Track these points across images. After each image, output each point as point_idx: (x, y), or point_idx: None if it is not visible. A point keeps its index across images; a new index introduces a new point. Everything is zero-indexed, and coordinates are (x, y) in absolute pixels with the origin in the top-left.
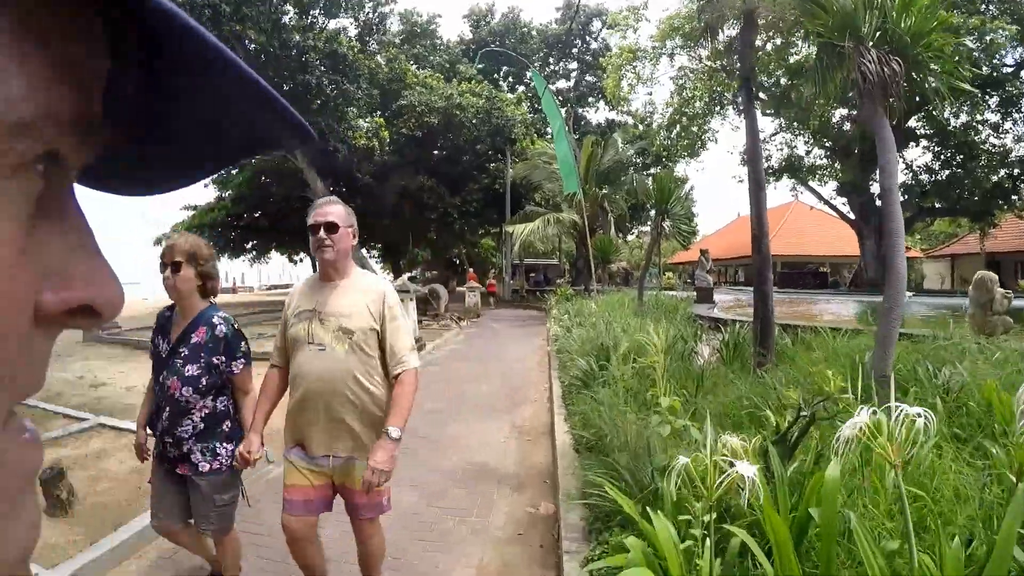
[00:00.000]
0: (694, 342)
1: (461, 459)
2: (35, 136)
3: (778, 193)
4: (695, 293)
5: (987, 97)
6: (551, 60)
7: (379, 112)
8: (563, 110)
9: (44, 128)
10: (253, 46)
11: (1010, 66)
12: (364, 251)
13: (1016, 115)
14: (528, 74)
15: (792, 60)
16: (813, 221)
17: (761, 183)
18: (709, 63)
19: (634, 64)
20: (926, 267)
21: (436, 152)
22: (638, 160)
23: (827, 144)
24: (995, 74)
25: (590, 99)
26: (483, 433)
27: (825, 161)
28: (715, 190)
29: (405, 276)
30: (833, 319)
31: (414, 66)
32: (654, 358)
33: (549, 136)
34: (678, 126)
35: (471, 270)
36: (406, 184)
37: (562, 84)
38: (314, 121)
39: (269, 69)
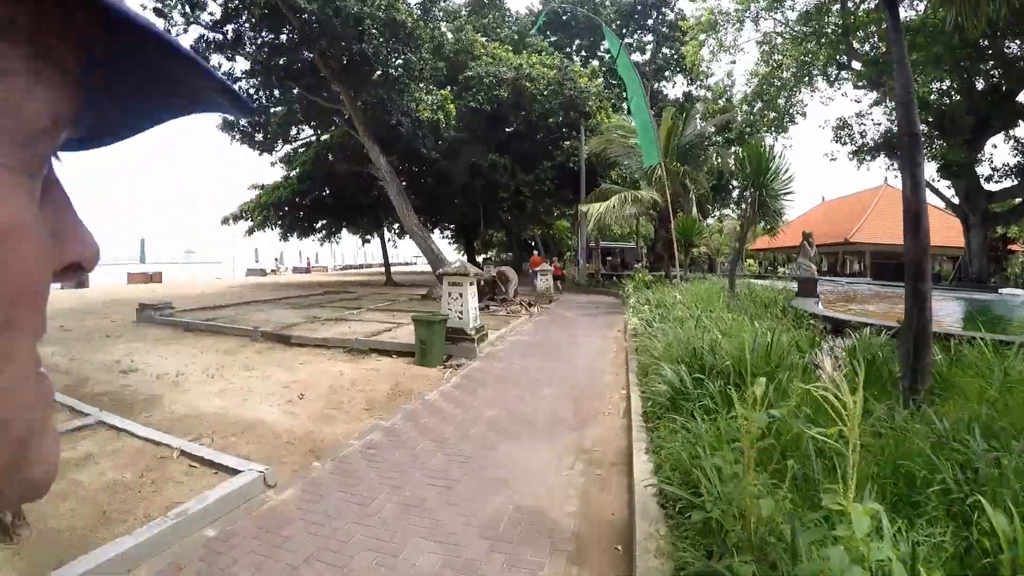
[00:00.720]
0: (811, 350)
1: (508, 500)
2: (52, 137)
3: (867, 176)
4: (796, 283)
5: None
6: (625, 32)
7: (447, 87)
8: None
9: (56, 129)
10: (304, 15)
11: None
12: (436, 232)
13: None
14: (603, 45)
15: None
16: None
17: (917, 135)
18: (800, 26)
19: (716, 29)
20: None
21: (508, 129)
22: (719, 138)
23: (930, 120)
24: None
25: (666, 73)
26: (540, 460)
27: (925, 140)
28: (796, 173)
29: (462, 259)
30: (962, 324)
31: (483, 40)
32: (835, 429)
33: (625, 111)
34: (763, 98)
35: (536, 253)
36: (477, 161)
37: (637, 58)
38: (373, 93)
39: (323, 39)
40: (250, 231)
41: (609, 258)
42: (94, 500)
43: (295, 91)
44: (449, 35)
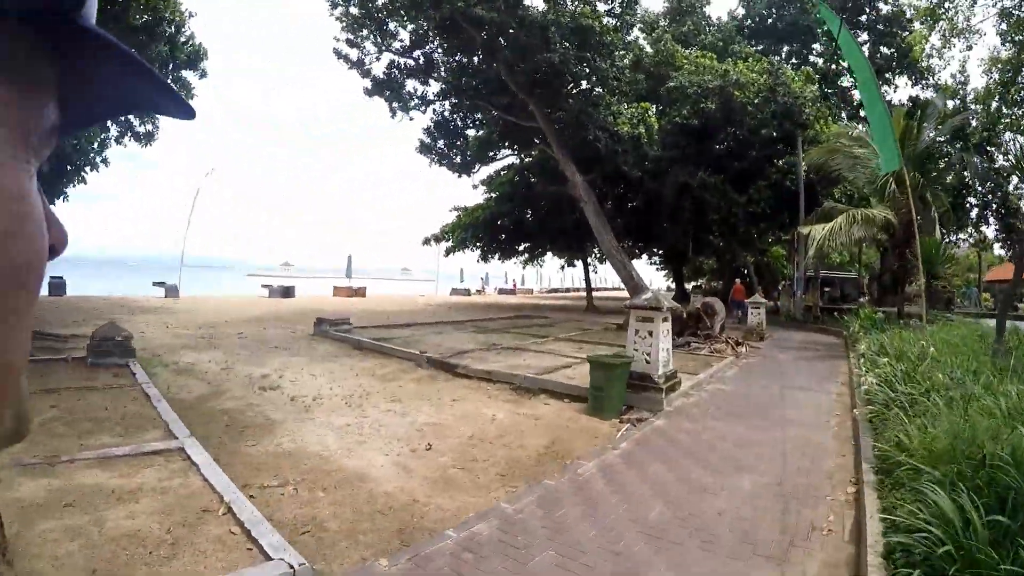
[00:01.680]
0: None
1: None
2: (54, 140)
3: None
4: None
5: None
6: (839, 33)
7: (649, 102)
8: (856, 92)
9: (55, 132)
10: (485, 32)
11: None
12: (644, 258)
13: None
14: (816, 48)
15: None
16: None
17: None
18: None
19: (945, 8)
20: None
21: (717, 147)
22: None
23: None
24: None
25: (887, 75)
26: None
27: None
28: None
29: (657, 288)
30: None
31: (684, 50)
32: None
33: (845, 120)
34: (1009, 88)
35: (738, 282)
36: (685, 181)
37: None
38: (567, 108)
39: (507, 50)
40: (448, 252)
41: (828, 289)
42: (97, 551)
43: (491, 112)
44: (648, 48)
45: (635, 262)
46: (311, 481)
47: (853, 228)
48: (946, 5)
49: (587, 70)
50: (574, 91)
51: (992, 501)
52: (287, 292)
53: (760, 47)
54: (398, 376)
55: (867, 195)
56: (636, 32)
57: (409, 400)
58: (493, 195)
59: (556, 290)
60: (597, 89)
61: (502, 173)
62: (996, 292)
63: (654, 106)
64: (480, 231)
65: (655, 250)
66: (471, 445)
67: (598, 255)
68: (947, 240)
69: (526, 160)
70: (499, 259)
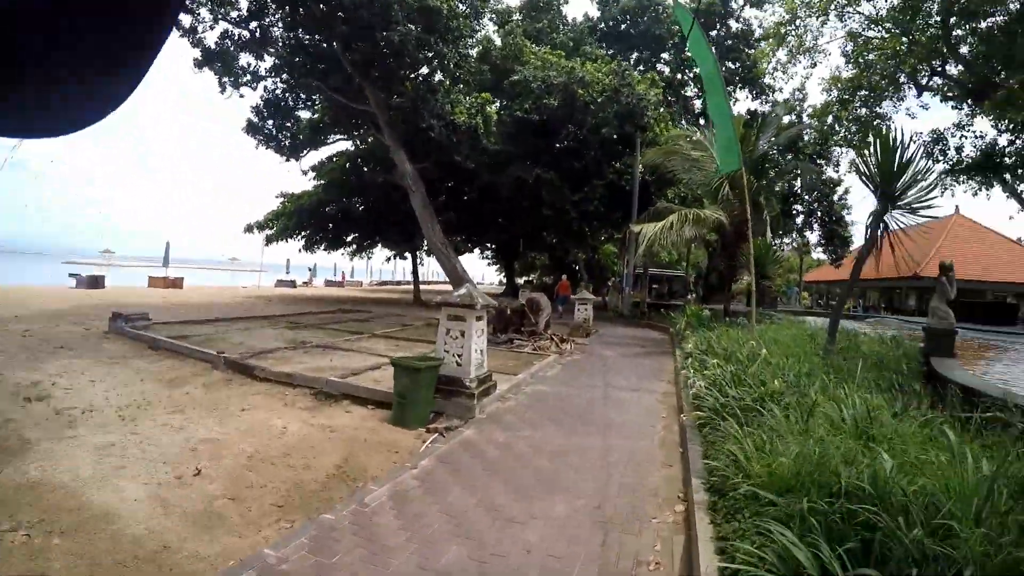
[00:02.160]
0: None
1: None
2: None
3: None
4: (924, 334)
5: None
6: (687, 45)
7: (491, 95)
8: (700, 100)
9: None
10: (323, 3)
11: None
12: (476, 252)
13: None
14: (664, 57)
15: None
16: (977, 239)
17: None
18: (895, 17)
19: (796, 24)
20: None
21: (558, 145)
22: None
23: None
24: None
25: (729, 87)
26: None
27: None
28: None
29: (471, 285)
30: None
31: (534, 46)
32: None
33: (685, 126)
34: (844, 107)
35: (564, 277)
36: (521, 176)
37: (699, 72)
38: (404, 93)
39: (346, 25)
40: (269, 240)
41: (656, 286)
42: None
43: (325, 92)
44: (497, 40)
45: (467, 256)
46: (49, 522)
47: (685, 227)
48: (796, 23)
49: (429, 54)
50: (412, 76)
51: (855, 544)
52: (95, 283)
53: (611, 51)
54: (188, 381)
55: (700, 197)
56: (488, 23)
57: (193, 410)
58: (322, 182)
59: (386, 283)
60: (438, 75)
61: (334, 159)
62: (814, 292)
63: (497, 101)
64: (305, 219)
65: (488, 244)
66: (250, 467)
67: (427, 247)
68: (775, 243)
69: (360, 147)
70: (325, 250)
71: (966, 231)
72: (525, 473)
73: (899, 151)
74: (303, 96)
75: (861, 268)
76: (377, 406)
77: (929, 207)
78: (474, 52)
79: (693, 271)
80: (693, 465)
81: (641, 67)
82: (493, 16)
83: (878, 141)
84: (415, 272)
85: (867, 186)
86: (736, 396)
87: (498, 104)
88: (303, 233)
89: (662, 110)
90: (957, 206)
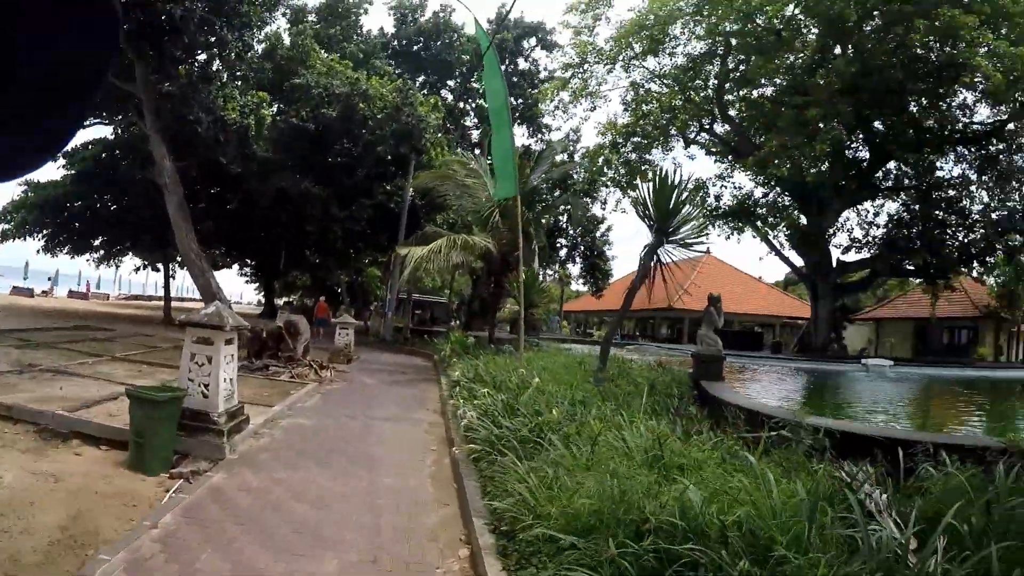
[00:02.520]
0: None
1: None
2: None
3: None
4: (694, 360)
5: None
6: (474, 75)
7: (270, 96)
8: (478, 131)
9: None
10: None
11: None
12: (235, 268)
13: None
14: (449, 84)
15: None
16: (725, 276)
17: None
18: (675, 76)
19: (583, 70)
20: (852, 331)
21: (331, 159)
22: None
23: (784, 193)
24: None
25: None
26: None
27: (780, 205)
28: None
29: (220, 304)
30: None
31: (325, 54)
32: None
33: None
34: (617, 150)
35: (322, 300)
36: (287, 187)
37: (483, 103)
38: (173, 74)
39: None
40: (4, 236)
41: (419, 312)
42: None
43: None
44: (286, 39)
45: (225, 272)
46: None
47: (452, 252)
48: (584, 67)
49: (212, 39)
50: (188, 60)
51: None
52: None
53: (399, 70)
54: None
55: (470, 223)
56: (281, 18)
57: None
58: (72, 172)
59: (136, 297)
60: (216, 64)
61: (89, 147)
62: (573, 321)
63: (276, 105)
64: (48, 215)
65: (248, 260)
66: None
67: (180, 259)
68: (540, 273)
69: (120, 136)
70: (69, 253)
71: (715, 269)
72: (286, 526)
73: (675, 192)
74: None
75: (633, 297)
76: (112, 445)
77: (700, 243)
78: (260, 47)
79: (456, 298)
80: (472, 503)
81: (426, 91)
82: (287, 12)
83: (656, 180)
84: (167, 287)
85: (644, 221)
86: (511, 427)
87: (276, 108)
88: (44, 231)
89: (440, 135)
90: (708, 248)
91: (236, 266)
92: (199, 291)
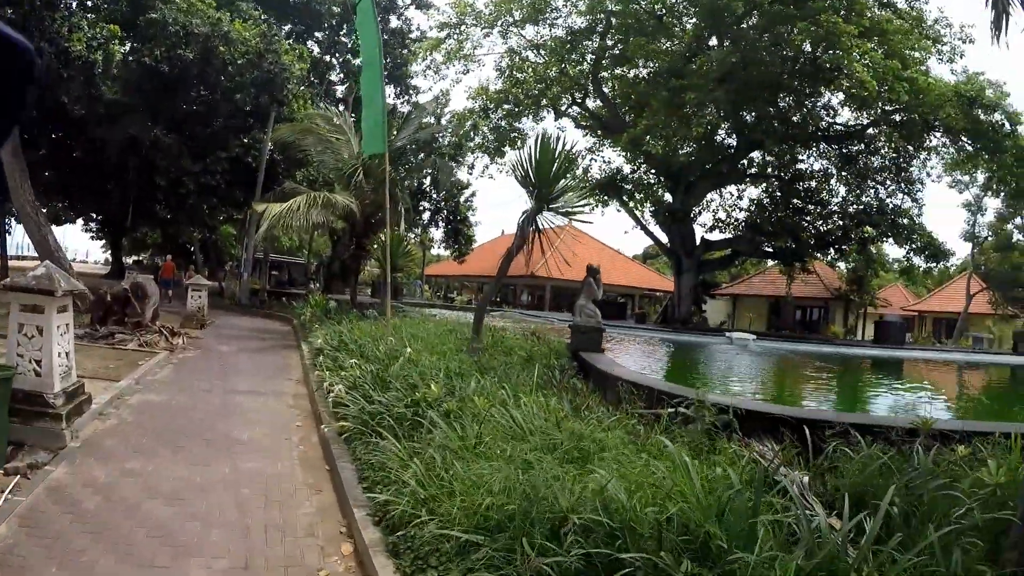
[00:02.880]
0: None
1: None
2: None
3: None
4: (572, 330)
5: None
6: (344, 28)
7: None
8: (344, 87)
9: None
10: None
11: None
12: (79, 223)
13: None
14: (316, 35)
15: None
16: (589, 248)
17: None
18: (553, 48)
19: (459, 31)
20: (711, 305)
21: (185, 106)
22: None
23: (652, 172)
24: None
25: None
26: None
27: (647, 183)
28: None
29: (50, 264)
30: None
31: None
32: None
33: (325, 107)
34: (480, 117)
35: (168, 259)
36: (136, 134)
37: (352, 58)
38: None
39: None
40: None
41: (276, 273)
42: None
43: None
44: None
45: (68, 227)
46: None
47: (312, 211)
48: (461, 28)
49: None
50: None
51: None
52: None
53: (265, 16)
54: None
55: (332, 181)
56: None
57: None
58: None
59: None
60: None
61: None
62: (434, 285)
63: (128, 44)
64: None
65: (94, 215)
66: None
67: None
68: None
69: None
70: None
71: (573, 240)
72: (142, 529)
73: (557, 159)
74: None
75: (510, 263)
76: None
77: (582, 211)
78: None
79: (315, 259)
80: (350, 491)
81: (292, 40)
82: None
83: (539, 145)
84: (2, 244)
85: (524, 187)
86: (385, 402)
87: (129, 47)
88: None
89: (304, 87)
90: (592, 217)
91: (81, 221)
92: (35, 248)
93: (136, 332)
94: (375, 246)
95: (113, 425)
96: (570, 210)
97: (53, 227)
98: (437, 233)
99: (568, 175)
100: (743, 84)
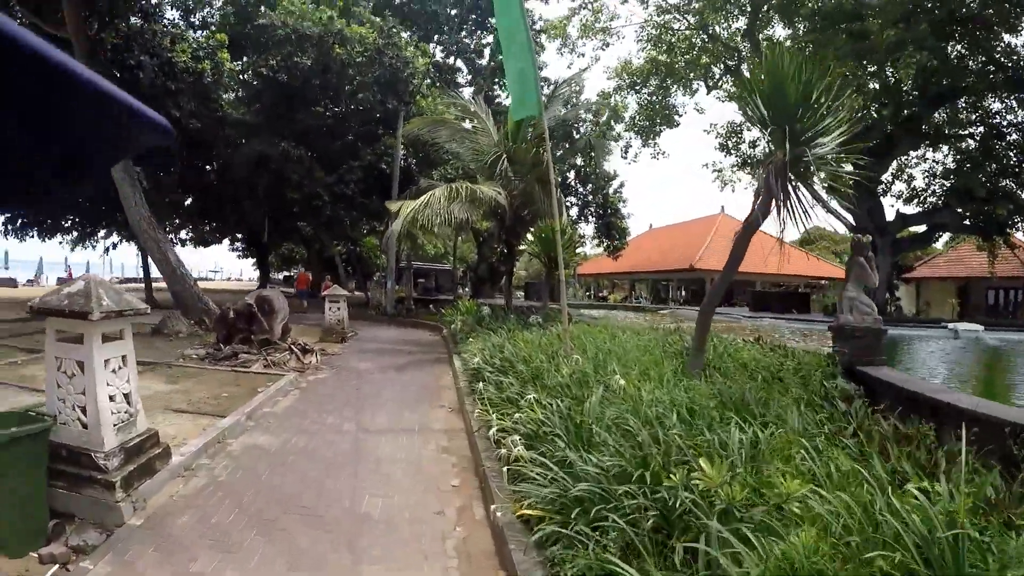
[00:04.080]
0: None
1: None
2: None
3: (701, 205)
4: (838, 335)
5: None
6: (465, 28)
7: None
8: (470, 90)
9: None
10: None
11: None
12: (226, 244)
13: None
14: (436, 38)
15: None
16: (730, 233)
17: None
18: (690, 19)
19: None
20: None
21: (312, 122)
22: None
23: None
24: None
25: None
26: None
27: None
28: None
29: (95, 279)
30: None
31: None
32: None
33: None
34: (629, 92)
35: (302, 270)
36: (265, 150)
37: (476, 59)
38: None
39: None
40: None
41: (422, 280)
42: None
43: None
44: None
45: (215, 248)
46: None
47: (454, 205)
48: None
49: None
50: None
51: None
52: None
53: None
54: None
55: (473, 173)
56: None
57: None
58: None
59: (133, 280)
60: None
61: None
62: (582, 285)
63: (245, 58)
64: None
65: (237, 236)
66: None
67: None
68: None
69: None
70: (38, 236)
71: (731, 229)
72: None
73: (806, 79)
74: None
75: (745, 246)
76: None
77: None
78: None
79: (460, 264)
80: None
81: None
82: None
83: (776, 58)
84: (145, 265)
85: (757, 125)
86: (595, 475)
87: (244, 61)
88: (5, 213)
89: (429, 83)
90: (723, 206)
91: (227, 241)
92: (156, 265)
93: (263, 351)
94: (531, 240)
95: (197, 488)
96: (830, 156)
97: (202, 248)
98: (587, 228)
99: (825, 109)
100: (934, 20)
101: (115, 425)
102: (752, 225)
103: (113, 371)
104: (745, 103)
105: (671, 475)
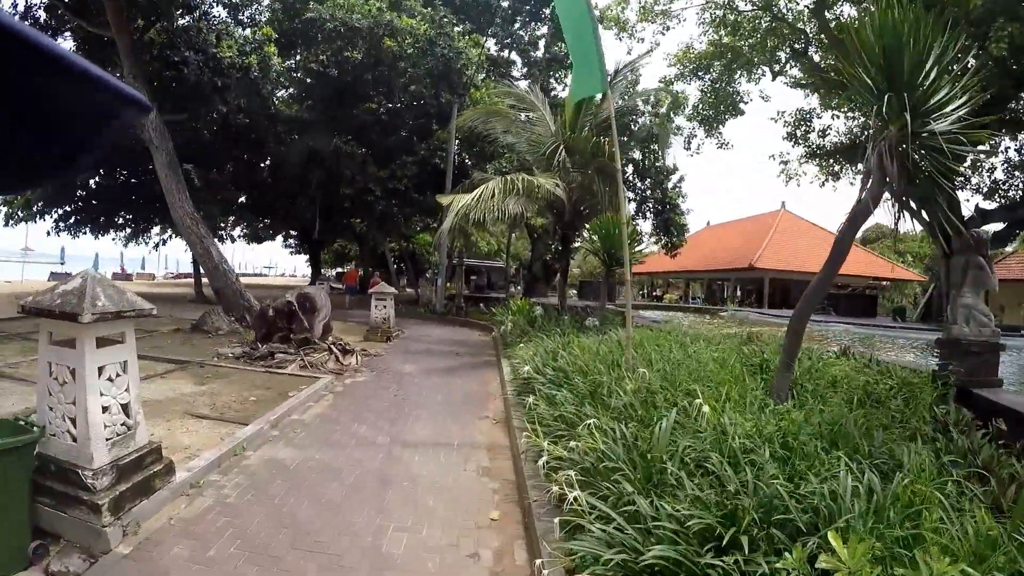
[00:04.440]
0: None
1: None
2: None
3: (758, 200)
4: (944, 349)
5: None
6: (518, 20)
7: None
8: (526, 83)
9: None
10: None
11: None
12: (279, 240)
13: None
14: (489, 31)
15: None
16: (803, 234)
17: None
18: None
19: None
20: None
21: (365, 117)
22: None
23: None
24: None
25: (560, 72)
26: None
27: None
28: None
29: (92, 274)
30: None
31: None
32: None
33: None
34: (698, 76)
35: (351, 267)
36: (317, 146)
37: (531, 50)
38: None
39: None
40: (8, 219)
41: (474, 278)
42: None
43: (60, 12)
44: None
45: (268, 244)
46: None
47: (509, 199)
48: None
49: None
50: None
51: None
52: None
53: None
54: None
55: (529, 165)
56: None
57: None
58: None
59: (183, 275)
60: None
61: None
62: (636, 284)
63: (295, 55)
64: (53, 193)
65: (291, 232)
66: None
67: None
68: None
69: None
70: (91, 233)
71: (792, 226)
72: None
73: (924, 41)
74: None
75: (852, 239)
76: None
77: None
78: None
79: (514, 262)
80: None
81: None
82: None
83: (880, 16)
84: (195, 260)
85: (863, 94)
86: (672, 536)
87: (296, 59)
88: (58, 210)
89: (483, 76)
90: (784, 202)
91: (280, 237)
92: (199, 261)
93: (301, 350)
94: (588, 235)
95: (200, 510)
96: (959, 149)
97: (255, 245)
98: (645, 225)
99: (945, 74)
100: None
101: (108, 439)
102: (860, 215)
103: (109, 379)
104: (850, 64)
105: (788, 552)
